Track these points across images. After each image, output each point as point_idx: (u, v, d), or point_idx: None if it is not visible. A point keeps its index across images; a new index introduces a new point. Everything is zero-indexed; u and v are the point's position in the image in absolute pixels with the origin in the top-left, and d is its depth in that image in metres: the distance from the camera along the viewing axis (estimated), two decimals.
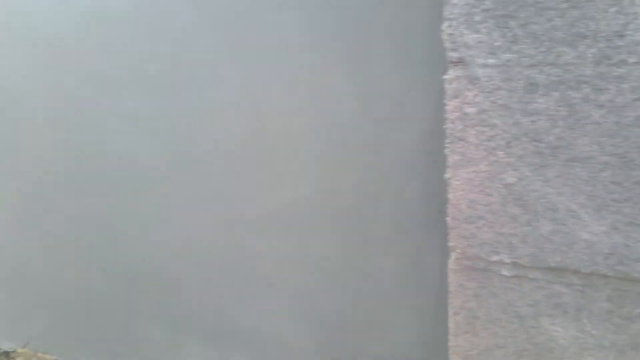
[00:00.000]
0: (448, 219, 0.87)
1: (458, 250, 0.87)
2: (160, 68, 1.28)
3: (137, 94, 1.36)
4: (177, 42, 1.24)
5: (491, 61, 0.76)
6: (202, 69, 1.23)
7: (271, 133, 1.21)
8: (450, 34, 0.77)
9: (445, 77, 0.79)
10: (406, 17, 0.97)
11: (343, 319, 1.30)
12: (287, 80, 1.14)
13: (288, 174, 1.23)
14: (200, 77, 1.24)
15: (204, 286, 1.49)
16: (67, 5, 1.36)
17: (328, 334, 1.34)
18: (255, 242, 1.35)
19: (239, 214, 1.34)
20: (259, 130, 1.22)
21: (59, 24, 1.40)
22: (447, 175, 0.85)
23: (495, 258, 0.83)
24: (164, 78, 1.29)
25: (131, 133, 1.42)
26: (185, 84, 1.27)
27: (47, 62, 1.46)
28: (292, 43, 1.10)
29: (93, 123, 1.47)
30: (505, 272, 0.84)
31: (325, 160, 1.17)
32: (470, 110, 0.78)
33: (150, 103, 1.34)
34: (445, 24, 0.77)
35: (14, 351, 2.01)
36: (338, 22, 1.04)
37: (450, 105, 0.80)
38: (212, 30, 1.18)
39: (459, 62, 0.77)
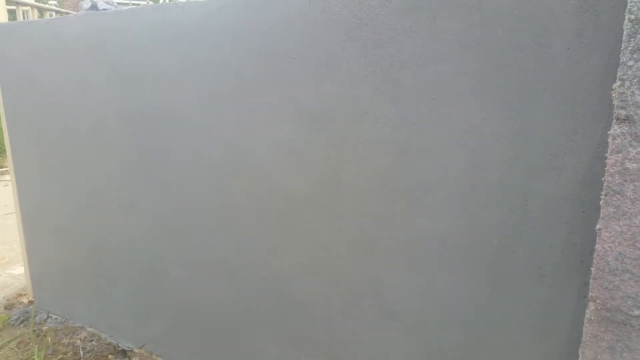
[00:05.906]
0: (592, 270, 0.89)
1: (598, 301, 0.89)
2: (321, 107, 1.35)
3: (291, 125, 1.44)
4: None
5: None
6: (356, 103, 1.30)
7: (418, 167, 1.25)
8: (621, 93, 0.81)
9: (610, 132, 0.83)
10: (573, 74, 1.00)
11: (461, 357, 1.30)
12: (443, 119, 1.19)
13: (427, 208, 1.26)
14: (353, 113, 1.31)
15: (325, 309, 1.53)
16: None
17: None
18: (383, 271, 1.38)
19: (372, 241, 1.38)
20: (404, 162, 1.27)
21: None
22: (597, 227, 0.88)
23: (637, 312, 0.84)
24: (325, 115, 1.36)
25: (276, 157, 1.48)
26: (337, 119, 1.35)
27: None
28: (456, 87, 1.16)
29: (242, 147, 1.55)
30: None
31: (467, 199, 1.20)
32: (631, 165, 0.81)
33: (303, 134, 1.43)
34: (616, 83, 0.82)
35: (130, 350, 2.16)
36: (502, 71, 1.09)
37: (611, 159, 0.83)
38: (373, 75, 1.25)
39: (626, 120, 0.81)
